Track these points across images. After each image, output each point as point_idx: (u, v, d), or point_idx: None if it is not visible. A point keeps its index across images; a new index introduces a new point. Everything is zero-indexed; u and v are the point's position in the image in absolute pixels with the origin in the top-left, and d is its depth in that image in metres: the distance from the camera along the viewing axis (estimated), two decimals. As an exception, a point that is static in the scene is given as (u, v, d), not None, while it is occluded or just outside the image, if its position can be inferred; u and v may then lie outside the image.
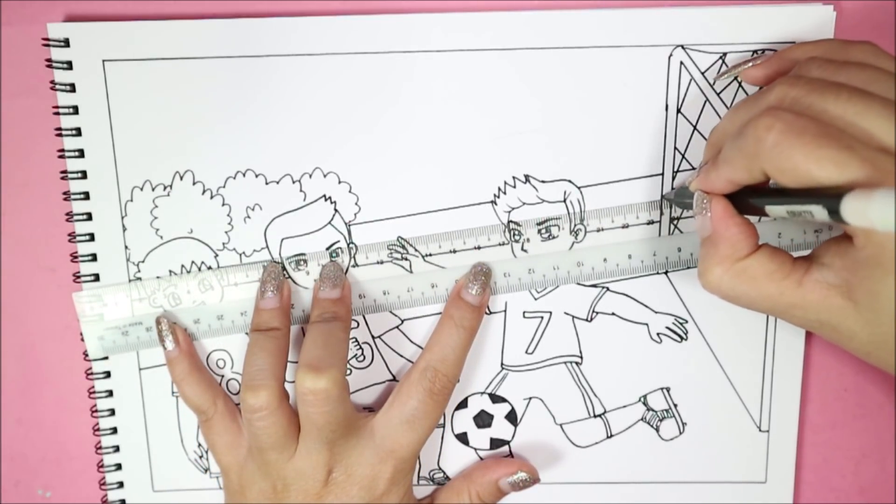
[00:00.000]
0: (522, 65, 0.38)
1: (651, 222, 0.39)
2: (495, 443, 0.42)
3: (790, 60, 0.34)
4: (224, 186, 0.39)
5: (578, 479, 0.42)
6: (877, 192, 0.24)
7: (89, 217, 0.39)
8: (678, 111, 0.38)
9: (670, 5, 0.37)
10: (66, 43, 0.38)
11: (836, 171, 0.26)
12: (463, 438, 0.42)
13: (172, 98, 0.38)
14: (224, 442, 0.39)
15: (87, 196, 0.39)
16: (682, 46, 0.37)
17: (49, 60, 0.38)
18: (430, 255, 0.39)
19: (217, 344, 0.41)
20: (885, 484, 0.42)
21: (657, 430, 0.41)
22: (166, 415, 0.42)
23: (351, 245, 0.40)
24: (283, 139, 0.39)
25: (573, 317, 0.40)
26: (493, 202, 0.39)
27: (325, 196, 0.39)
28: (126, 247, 0.40)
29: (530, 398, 0.41)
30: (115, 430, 0.42)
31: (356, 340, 0.41)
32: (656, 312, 0.40)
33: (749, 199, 0.31)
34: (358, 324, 0.41)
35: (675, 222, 0.39)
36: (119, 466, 0.42)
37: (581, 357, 0.41)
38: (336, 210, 0.39)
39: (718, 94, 0.38)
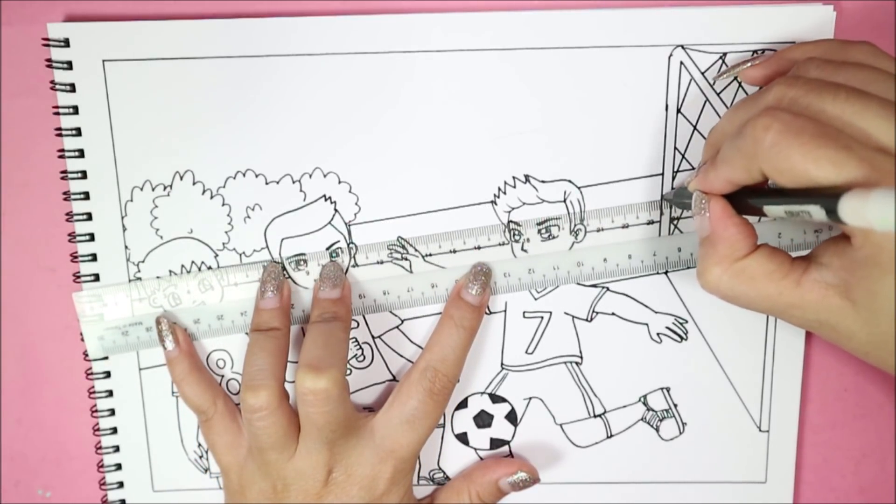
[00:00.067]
0: (522, 65, 0.38)
1: (651, 222, 0.39)
2: (495, 443, 0.42)
3: (789, 60, 0.34)
4: (224, 186, 0.39)
5: (578, 479, 0.42)
6: (874, 191, 0.24)
7: (89, 217, 0.40)
8: (678, 111, 0.38)
9: (670, 5, 0.38)
10: (66, 43, 0.38)
11: (834, 171, 0.27)
12: (463, 438, 0.42)
13: (172, 98, 0.38)
14: (224, 442, 0.39)
15: (87, 196, 0.39)
16: (682, 46, 0.38)
17: (49, 60, 0.38)
18: (430, 255, 0.40)
19: (217, 344, 0.41)
20: (885, 484, 0.42)
21: (657, 430, 0.41)
22: (166, 415, 0.42)
23: (351, 245, 0.40)
24: (283, 139, 0.39)
25: (573, 317, 0.41)
26: (493, 202, 0.39)
27: (325, 196, 0.39)
28: (126, 247, 0.40)
29: (530, 398, 0.41)
30: (115, 430, 0.42)
31: (356, 340, 0.41)
32: (656, 312, 0.40)
33: (747, 200, 0.32)
34: (358, 324, 0.41)
35: (675, 222, 0.39)
36: (119, 466, 0.42)
37: (581, 357, 0.41)
38: (336, 210, 0.40)
39: (718, 94, 0.38)
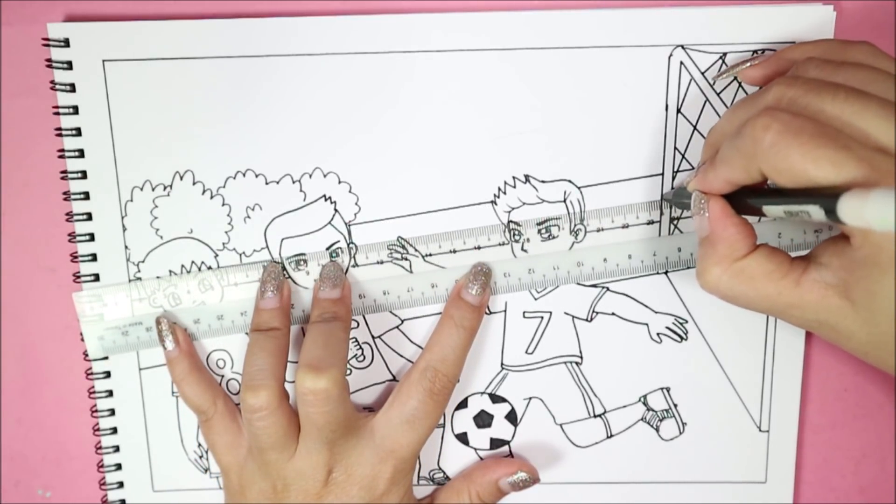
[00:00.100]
0: (522, 65, 0.38)
1: (651, 222, 0.39)
2: (495, 443, 0.42)
3: (788, 60, 0.34)
4: (224, 186, 0.40)
5: (578, 479, 0.42)
6: (873, 191, 0.24)
7: (89, 217, 0.40)
8: (678, 111, 0.38)
9: (670, 5, 0.38)
10: (66, 43, 0.38)
11: (833, 171, 0.27)
12: (463, 438, 0.42)
13: (172, 98, 0.39)
14: (224, 442, 0.39)
15: (87, 196, 0.40)
16: (682, 46, 0.38)
17: (49, 60, 0.38)
18: (430, 255, 0.40)
19: (217, 344, 0.41)
20: (885, 484, 0.42)
21: (657, 430, 0.41)
22: (166, 415, 0.42)
23: (351, 245, 0.40)
24: (283, 139, 0.39)
25: (573, 317, 0.41)
26: (493, 202, 0.39)
27: (325, 196, 0.40)
28: (126, 247, 0.40)
29: (530, 398, 0.42)
30: (115, 430, 0.42)
31: (356, 340, 0.41)
32: (656, 312, 0.40)
33: (747, 200, 0.32)
34: (358, 324, 0.41)
35: (675, 222, 0.39)
36: (119, 466, 0.42)
37: (581, 357, 0.41)
38: (336, 210, 0.40)
39: (718, 94, 0.38)
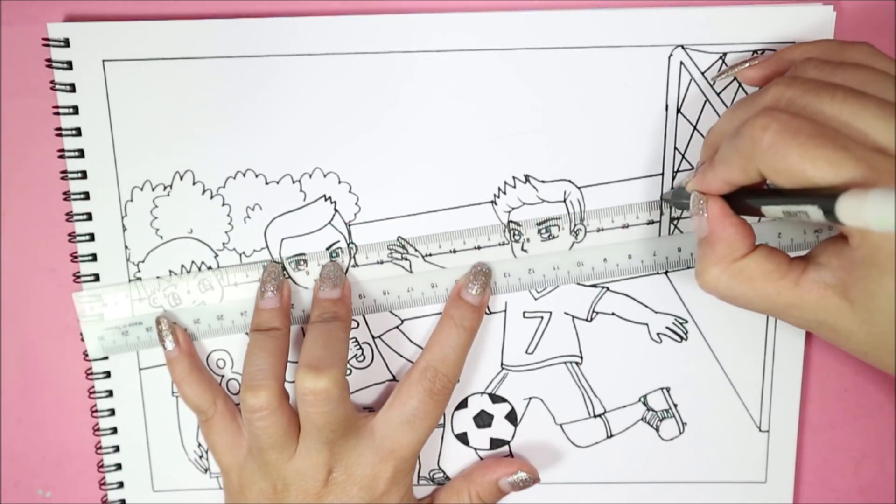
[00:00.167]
0: (522, 65, 0.38)
1: (651, 222, 0.39)
2: (495, 443, 0.42)
3: (787, 61, 0.34)
4: (224, 186, 0.40)
5: (578, 479, 0.42)
6: (871, 192, 0.24)
7: (89, 217, 0.40)
8: (678, 111, 0.39)
9: (670, 5, 0.38)
10: (66, 43, 0.38)
11: (832, 171, 0.27)
12: (463, 438, 0.42)
13: (172, 98, 0.39)
14: (224, 442, 0.40)
15: (87, 196, 0.40)
16: (682, 46, 0.38)
17: (49, 60, 0.38)
18: (430, 255, 0.40)
19: (217, 344, 0.41)
20: (885, 484, 0.42)
21: (657, 430, 0.42)
22: (166, 415, 0.42)
23: (351, 245, 0.40)
24: (283, 139, 0.39)
25: (573, 317, 0.41)
26: (493, 202, 0.40)
27: (325, 196, 0.40)
28: (126, 247, 0.40)
29: (530, 398, 0.42)
30: (115, 430, 0.42)
31: (356, 340, 0.41)
32: (656, 312, 0.41)
33: (746, 200, 0.32)
34: (358, 324, 0.41)
35: (675, 222, 0.39)
36: (119, 466, 0.43)
37: (581, 357, 0.41)
38: (336, 210, 0.40)
39: (718, 94, 0.38)
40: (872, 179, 0.26)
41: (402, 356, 0.41)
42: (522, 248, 0.40)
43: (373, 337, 0.41)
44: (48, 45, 0.38)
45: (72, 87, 0.39)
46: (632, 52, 0.38)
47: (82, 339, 0.41)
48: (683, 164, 0.39)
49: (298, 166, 0.39)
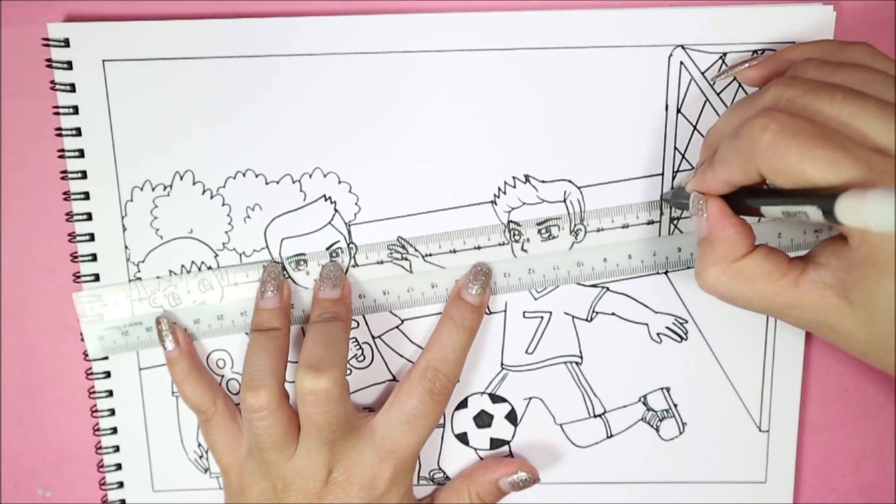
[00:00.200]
0: (522, 65, 0.38)
1: (651, 222, 0.40)
2: (495, 443, 0.42)
3: (786, 61, 0.34)
4: (224, 186, 0.40)
5: (578, 479, 0.42)
6: (871, 192, 0.24)
7: (89, 217, 0.40)
8: (678, 111, 0.39)
9: (670, 5, 0.38)
10: (66, 43, 0.38)
11: (831, 172, 0.27)
12: (463, 438, 0.42)
13: (172, 98, 0.39)
14: (224, 442, 0.40)
15: (87, 196, 0.40)
16: (682, 46, 0.38)
17: (49, 60, 0.38)
18: (430, 255, 0.40)
19: (217, 344, 0.42)
20: (885, 484, 0.42)
21: (657, 430, 0.42)
22: (166, 415, 0.42)
23: (351, 245, 0.40)
24: (283, 139, 0.39)
25: (573, 317, 0.41)
26: (493, 202, 0.40)
27: (325, 196, 0.40)
28: (126, 247, 0.40)
29: (530, 398, 0.42)
30: (115, 430, 0.42)
31: (356, 340, 0.41)
32: (656, 312, 0.41)
33: (745, 200, 0.32)
34: (358, 324, 0.41)
35: (675, 222, 0.40)
36: (119, 466, 0.43)
37: (581, 357, 0.41)
38: (336, 210, 0.40)
39: (718, 94, 0.38)
40: (872, 180, 0.26)
41: (402, 356, 0.42)
42: (522, 248, 0.40)
43: (373, 337, 0.41)
44: (48, 45, 0.38)
45: (72, 87, 0.39)
46: (632, 52, 0.38)
47: (82, 339, 0.41)
48: (683, 164, 0.39)
49: (298, 166, 0.40)
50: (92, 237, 0.40)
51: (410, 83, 0.39)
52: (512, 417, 0.42)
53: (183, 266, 0.41)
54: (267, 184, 0.40)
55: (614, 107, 0.39)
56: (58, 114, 0.39)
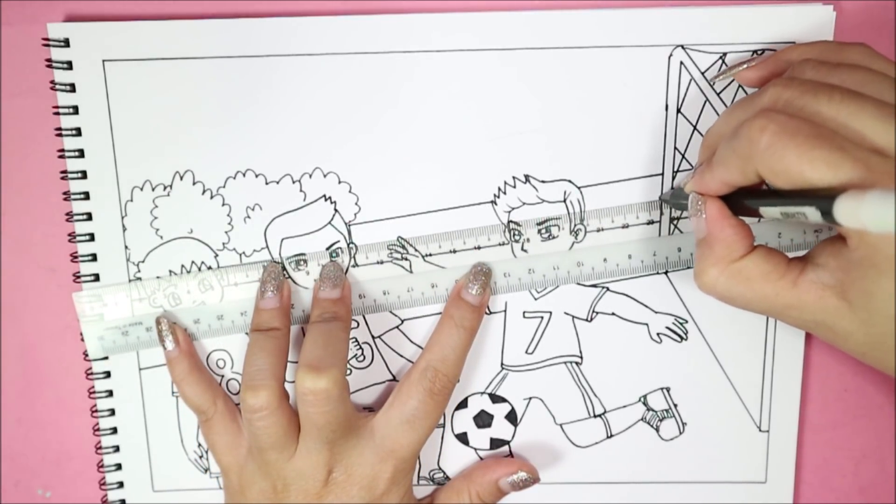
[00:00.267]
0: (522, 65, 0.39)
1: (651, 222, 0.40)
2: (495, 443, 0.43)
3: (785, 62, 0.34)
4: (224, 186, 0.40)
5: (578, 479, 0.43)
6: (869, 193, 0.24)
7: (89, 217, 0.40)
8: (678, 111, 0.39)
9: (670, 5, 0.38)
10: (66, 43, 0.39)
11: (829, 173, 0.27)
12: (463, 438, 0.43)
13: (172, 98, 0.39)
14: (224, 442, 0.40)
15: (87, 196, 0.40)
16: (682, 46, 0.38)
17: (49, 60, 0.39)
18: (430, 255, 0.40)
19: (217, 344, 0.42)
20: (885, 484, 0.43)
21: (657, 430, 0.42)
22: (166, 415, 0.42)
23: (351, 245, 0.40)
24: (283, 139, 0.39)
25: (573, 317, 0.41)
26: (493, 202, 0.40)
27: (325, 196, 0.40)
28: (126, 247, 0.41)
29: (530, 398, 0.42)
30: (115, 430, 0.42)
31: (356, 340, 0.42)
32: (656, 312, 0.41)
33: (744, 201, 0.32)
34: (358, 324, 0.41)
35: (675, 222, 0.40)
36: (119, 466, 0.43)
37: (581, 357, 0.42)
38: (336, 210, 0.40)
39: (718, 94, 0.39)
40: (870, 180, 0.27)
41: (402, 356, 0.42)
42: (522, 248, 0.40)
43: (373, 337, 0.42)
44: (48, 45, 0.39)
45: (72, 87, 0.39)
46: (632, 52, 0.38)
47: (82, 339, 0.41)
48: (683, 164, 0.39)
49: (298, 166, 0.40)
50: (92, 237, 0.41)
51: (410, 83, 0.39)
52: (512, 417, 0.42)
53: (183, 266, 0.41)
54: (267, 184, 0.40)
55: (614, 107, 0.39)
56: (58, 114, 0.39)
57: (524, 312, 0.41)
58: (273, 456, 0.38)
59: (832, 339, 0.31)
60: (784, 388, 0.41)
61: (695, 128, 0.39)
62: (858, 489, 0.43)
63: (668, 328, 0.41)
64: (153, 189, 0.40)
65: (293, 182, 0.40)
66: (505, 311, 0.41)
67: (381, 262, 0.41)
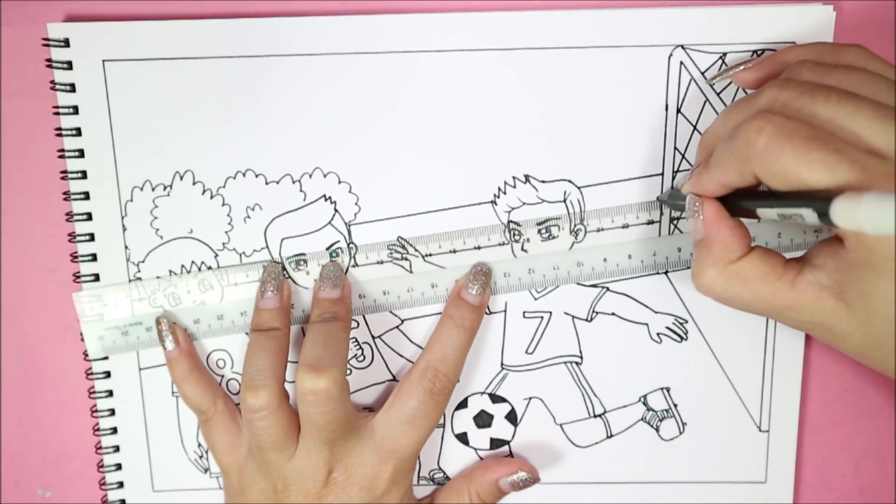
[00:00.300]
0: (522, 65, 0.39)
1: (651, 222, 0.40)
2: (495, 443, 0.43)
3: (781, 63, 0.35)
4: (224, 186, 0.40)
5: (578, 479, 0.43)
6: (866, 195, 0.24)
7: (89, 217, 0.41)
8: (678, 111, 0.39)
9: (670, 5, 0.38)
10: (66, 43, 0.39)
11: (826, 174, 0.27)
12: (463, 438, 0.43)
13: (172, 98, 0.39)
14: (224, 442, 0.40)
15: (87, 196, 0.40)
16: (682, 46, 0.38)
17: (49, 60, 0.39)
18: (430, 255, 0.41)
19: (217, 344, 0.42)
20: (885, 484, 0.43)
21: (657, 430, 0.42)
22: (166, 415, 0.43)
23: (351, 245, 0.41)
24: (283, 139, 0.40)
25: (573, 317, 0.41)
26: (493, 202, 0.40)
27: (325, 196, 0.40)
28: (126, 247, 0.41)
29: (530, 398, 0.42)
30: (115, 430, 0.43)
31: (356, 340, 0.42)
32: (656, 312, 0.41)
33: (741, 202, 0.32)
34: (358, 324, 0.42)
35: (674, 222, 0.40)
36: (119, 466, 0.43)
37: (581, 357, 0.42)
38: (336, 210, 0.40)
39: (718, 94, 0.39)
40: (867, 182, 0.27)
41: (402, 356, 0.42)
42: (522, 248, 0.40)
43: (373, 337, 0.42)
44: (48, 45, 0.39)
45: (72, 87, 0.39)
46: (632, 52, 0.39)
47: (82, 339, 0.42)
48: (683, 164, 0.40)
49: (298, 166, 0.40)
50: (92, 237, 0.41)
51: (410, 83, 0.39)
52: (512, 417, 0.43)
53: (183, 266, 0.41)
54: (267, 184, 0.40)
55: (614, 107, 0.39)
56: (58, 114, 0.40)
57: (524, 312, 0.42)
58: (273, 456, 0.38)
59: (830, 339, 0.31)
60: (784, 388, 0.41)
61: (695, 128, 0.39)
62: (858, 489, 0.43)
63: (668, 328, 0.41)
64: (153, 189, 0.40)
65: (293, 182, 0.40)
66: (505, 311, 0.42)
67: (381, 262, 0.41)
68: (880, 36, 0.39)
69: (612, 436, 0.43)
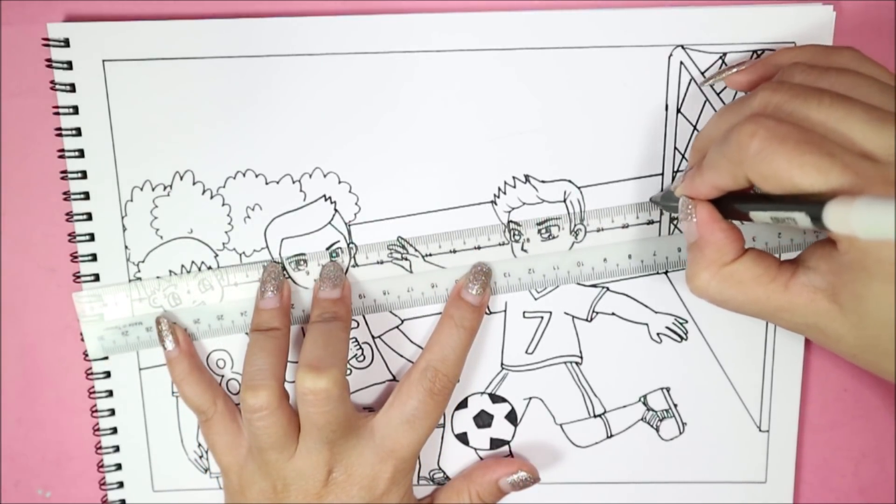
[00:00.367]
0: (522, 65, 0.40)
1: (651, 222, 0.41)
2: (495, 443, 0.44)
3: (774, 66, 0.35)
4: (224, 186, 0.41)
5: (578, 479, 0.44)
6: (858, 199, 0.25)
7: (89, 217, 0.41)
8: (678, 111, 0.40)
9: (670, 5, 0.39)
10: (66, 43, 0.40)
11: (819, 178, 0.28)
12: (463, 438, 0.44)
13: (172, 98, 0.40)
14: (224, 442, 0.41)
15: (87, 196, 0.41)
16: (682, 46, 0.39)
17: (49, 60, 0.40)
18: (430, 255, 0.41)
19: (217, 344, 0.43)
20: (885, 484, 0.43)
21: (657, 430, 0.43)
22: (166, 415, 0.43)
23: (351, 245, 0.41)
24: (283, 139, 0.40)
25: (573, 317, 0.42)
26: (493, 202, 0.41)
27: (325, 196, 0.41)
28: (126, 247, 0.42)
29: (530, 398, 0.43)
30: (115, 430, 0.43)
31: (356, 340, 0.42)
32: (656, 312, 0.42)
33: (734, 204, 0.33)
34: (358, 324, 0.42)
35: (674, 222, 0.41)
36: (119, 466, 0.44)
37: (581, 357, 0.42)
38: (336, 210, 0.41)
39: (718, 95, 0.40)
40: (859, 186, 0.27)
41: (402, 356, 0.43)
42: (522, 248, 0.41)
43: (373, 337, 0.43)
44: (48, 45, 0.40)
45: (72, 87, 0.40)
46: (631, 52, 0.39)
47: (82, 339, 0.42)
48: (683, 164, 0.40)
49: (298, 166, 0.41)
50: (92, 237, 0.41)
51: (410, 83, 0.40)
52: (512, 417, 0.43)
53: (183, 266, 0.42)
54: (267, 184, 0.41)
55: (614, 107, 0.40)
56: (58, 114, 0.40)
57: (524, 312, 0.42)
58: (273, 456, 0.39)
59: (823, 341, 0.32)
60: (784, 388, 0.42)
61: (695, 128, 0.40)
62: (858, 489, 0.44)
63: (668, 328, 0.42)
64: (153, 189, 0.41)
65: (293, 182, 0.41)
66: (505, 311, 0.42)
67: (381, 262, 0.41)
68: (880, 36, 0.39)
69: (612, 436, 0.43)
